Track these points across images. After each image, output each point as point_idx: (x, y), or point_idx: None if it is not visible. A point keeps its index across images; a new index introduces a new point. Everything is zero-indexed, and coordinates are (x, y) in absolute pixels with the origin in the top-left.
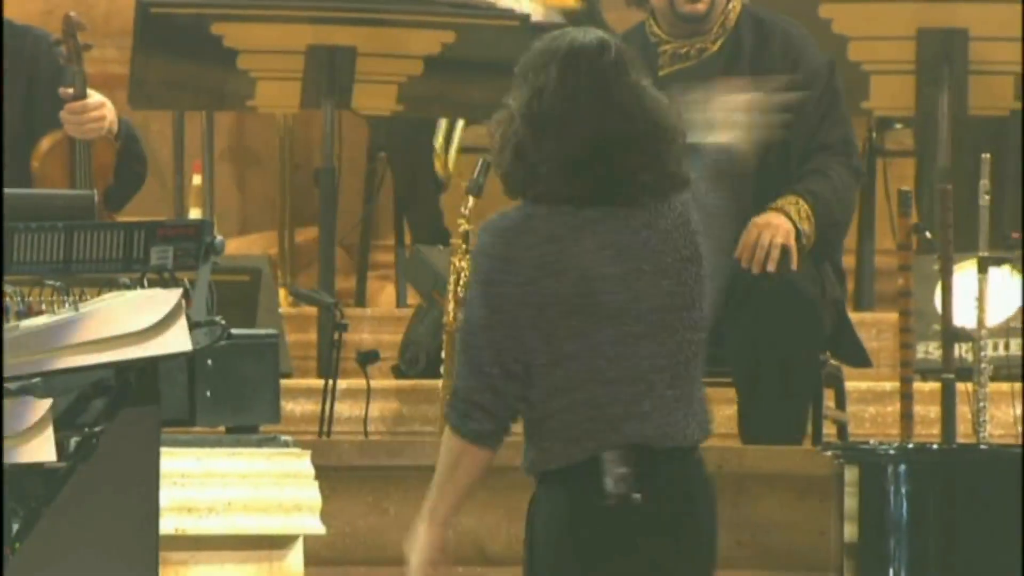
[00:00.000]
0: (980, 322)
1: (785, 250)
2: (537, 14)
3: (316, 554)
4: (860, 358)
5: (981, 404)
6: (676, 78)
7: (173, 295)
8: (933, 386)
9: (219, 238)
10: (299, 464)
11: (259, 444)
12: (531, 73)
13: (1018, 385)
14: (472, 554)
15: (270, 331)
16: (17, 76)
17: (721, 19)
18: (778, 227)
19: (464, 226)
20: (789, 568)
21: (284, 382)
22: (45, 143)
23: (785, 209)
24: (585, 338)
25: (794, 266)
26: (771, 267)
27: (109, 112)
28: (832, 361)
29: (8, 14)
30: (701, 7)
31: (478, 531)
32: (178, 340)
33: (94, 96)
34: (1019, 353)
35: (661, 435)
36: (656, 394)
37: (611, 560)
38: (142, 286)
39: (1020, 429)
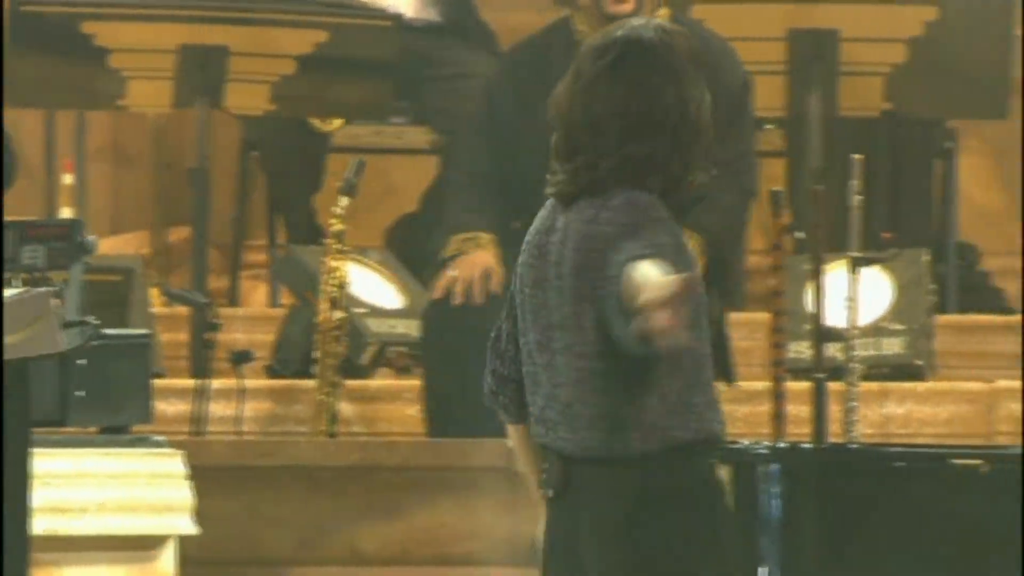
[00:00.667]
0: (851, 322)
1: None
2: (411, 12)
3: (189, 554)
4: (727, 376)
5: (852, 403)
6: None
7: (44, 295)
8: (804, 386)
9: (91, 238)
10: (172, 464)
11: (131, 444)
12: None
13: (888, 385)
14: (345, 554)
15: (142, 331)
16: None
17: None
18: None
19: (337, 226)
20: None
21: (156, 382)
22: None
23: None
24: (524, 337)
25: None
26: None
27: None
28: None
29: None
30: (628, 7)
31: (351, 530)
32: (49, 340)
33: None
34: (889, 352)
35: (574, 446)
36: (560, 405)
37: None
38: (13, 286)
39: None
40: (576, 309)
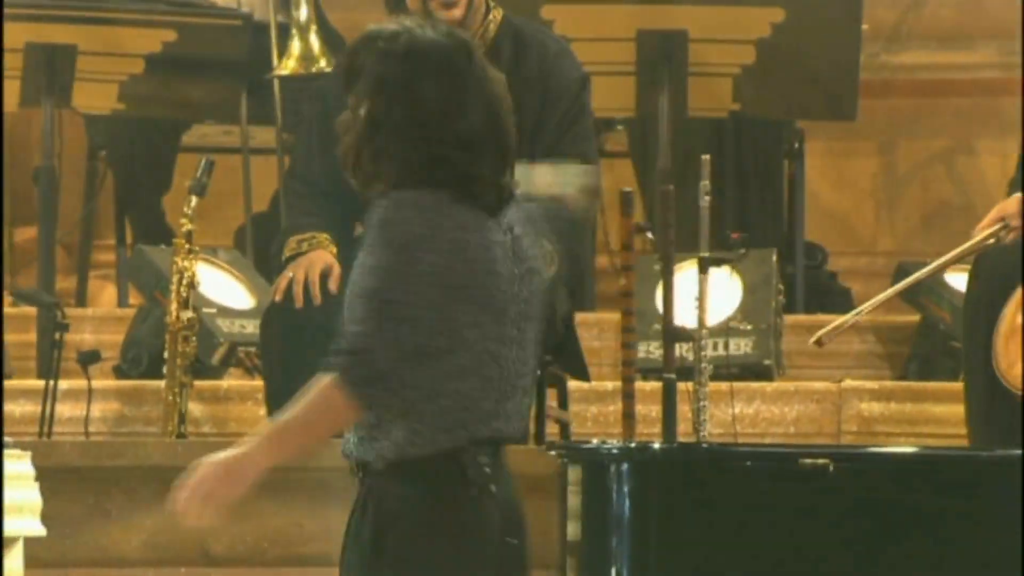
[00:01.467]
0: (701, 322)
1: None
2: (258, 12)
3: (36, 556)
4: (581, 372)
5: (701, 403)
6: None
7: None
8: (654, 385)
9: None
10: (19, 465)
11: None
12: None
13: (737, 384)
14: (195, 555)
15: None
16: None
17: (481, 30)
18: None
19: (187, 226)
20: None
21: (5, 383)
22: None
23: None
24: (480, 330)
25: None
26: None
27: None
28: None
29: None
30: (457, 13)
31: (201, 531)
32: None
33: None
34: (738, 352)
35: (516, 435)
36: (518, 398)
37: (476, 548)
38: None
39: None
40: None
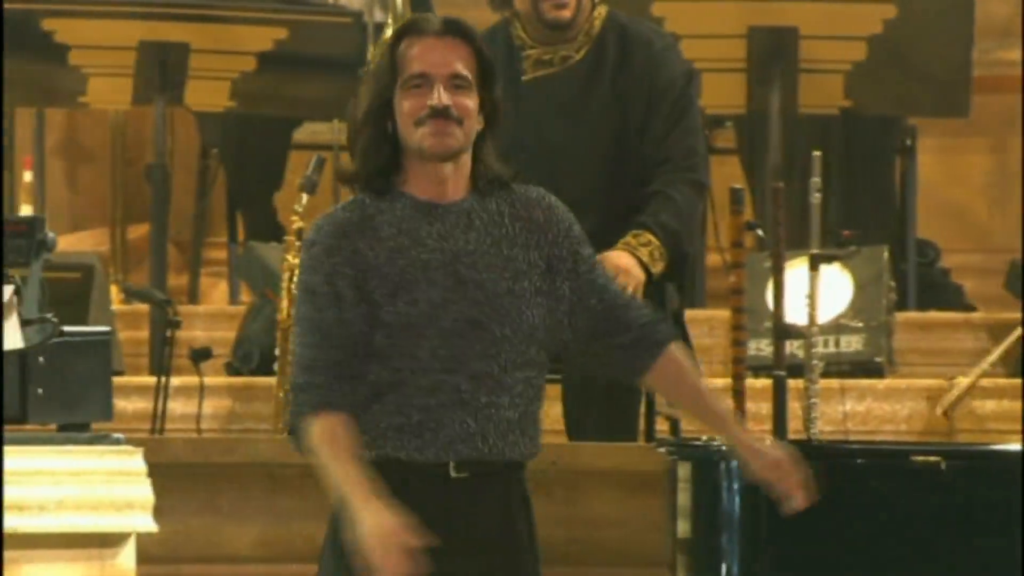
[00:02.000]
0: (811, 319)
1: None
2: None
3: (148, 552)
4: None
5: (812, 400)
6: (539, 84)
7: (4, 292)
8: (764, 383)
9: (51, 235)
10: (131, 462)
11: (91, 442)
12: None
13: (848, 382)
14: (306, 551)
15: (102, 328)
16: None
17: (586, 27)
18: (631, 275)
19: (298, 223)
20: (622, 564)
21: (116, 380)
22: None
23: (639, 253)
24: None
25: None
26: None
27: None
28: None
29: None
30: (567, 14)
31: (312, 528)
32: (9, 337)
33: None
34: (849, 350)
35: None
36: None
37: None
38: None
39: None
40: None
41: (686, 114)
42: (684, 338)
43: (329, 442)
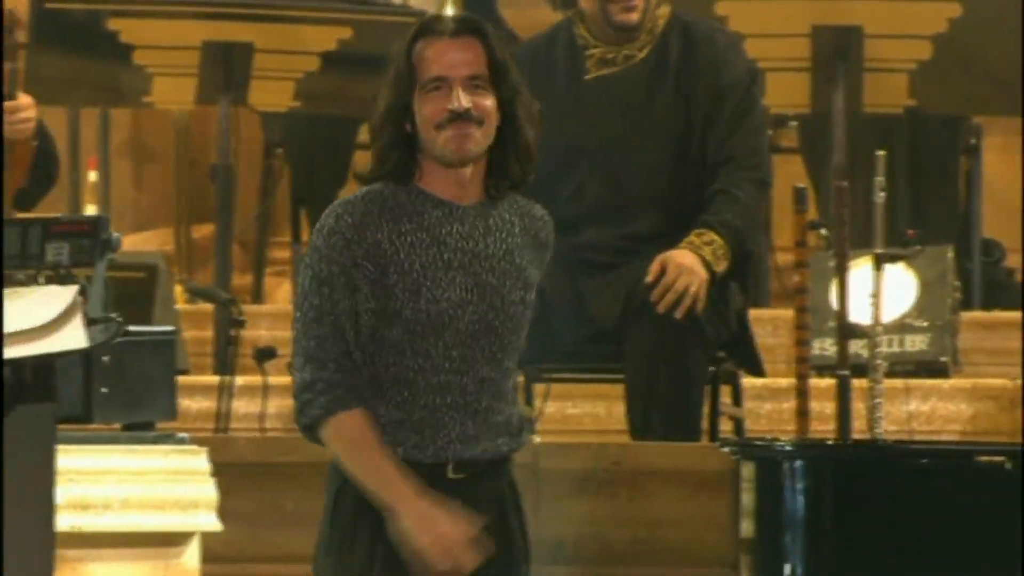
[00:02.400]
0: (875, 319)
1: (696, 298)
2: (432, 8)
3: (213, 551)
4: (756, 368)
5: (876, 400)
6: (602, 83)
7: (69, 292)
8: (829, 382)
9: (115, 234)
10: (195, 461)
11: (155, 441)
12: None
13: (912, 381)
14: None
15: (166, 328)
16: None
17: (649, 26)
18: (695, 274)
19: None
20: (685, 564)
21: (181, 379)
22: None
23: (702, 252)
24: None
25: (700, 310)
26: (679, 315)
27: (36, 113)
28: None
29: None
30: (635, 17)
31: None
32: (74, 337)
33: (23, 97)
34: (913, 349)
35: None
36: None
37: None
38: (37, 283)
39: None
40: None
41: (749, 113)
42: (747, 338)
43: (356, 442)
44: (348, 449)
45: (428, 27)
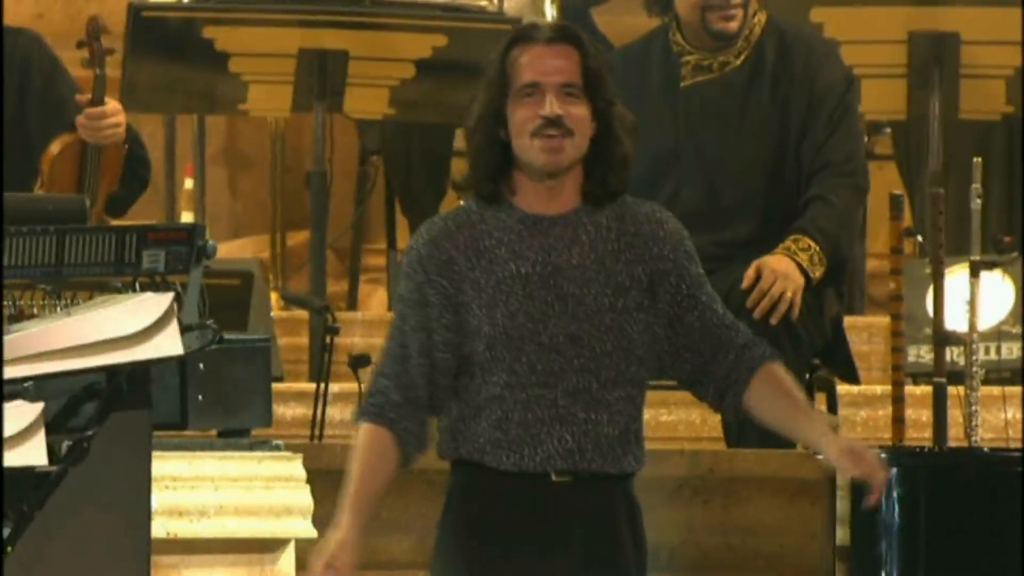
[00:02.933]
0: (972, 326)
1: (792, 304)
2: (527, 15)
3: (308, 558)
4: (851, 375)
5: (973, 408)
6: (698, 90)
7: (164, 299)
8: (925, 390)
9: (211, 242)
10: (291, 468)
11: (250, 448)
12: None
13: (1010, 389)
14: None
15: (262, 335)
16: (10, 78)
17: (746, 33)
18: (790, 279)
19: None
20: (779, 572)
21: (276, 386)
22: (55, 146)
23: (799, 258)
24: None
25: (795, 316)
26: (774, 321)
27: (124, 119)
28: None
29: None
30: (734, 25)
31: None
32: (169, 344)
33: (111, 103)
34: (1010, 357)
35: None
36: None
37: None
38: (133, 290)
39: (1022, 432)
40: None
41: (845, 119)
42: (842, 345)
43: (359, 452)
44: (353, 455)
45: (524, 33)
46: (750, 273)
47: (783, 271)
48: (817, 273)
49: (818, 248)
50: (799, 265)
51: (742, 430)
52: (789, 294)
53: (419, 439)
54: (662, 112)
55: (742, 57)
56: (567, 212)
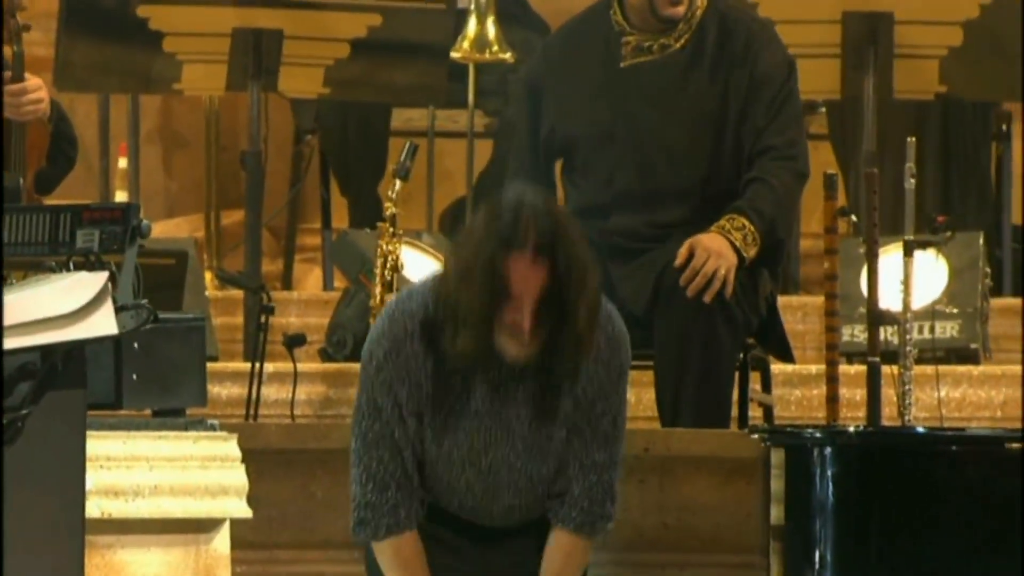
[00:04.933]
0: (905, 305)
1: (725, 282)
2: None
3: (243, 538)
4: (785, 353)
5: (906, 387)
6: (637, 71)
7: (99, 278)
8: (859, 369)
9: (145, 221)
10: (226, 447)
11: (185, 427)
12: None
13: (943, 368)
14: None
15: (197, 314)
16: None
17: (687, 15)
18: (724, 257)
19: (391, 209)
20: (715, 550)
21: (211, 365)
22: None
23: (732, 237)
24: None
25: (728, 294)
26: (707, 299)
27: (46, 95)
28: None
29: None
30: (681, 10)
31: None
32: (104, 323)
33: (32, 79)
34: (943, 336)
35: None
36: None
37: None
38: (68, 269)
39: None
40: None
41: (787, 103)
42: (776, 324)
43: (408, 562)
44: (400, 568)
45: (513, 240)
46: (683, 251)
47: (716, 249)
48: (751, 252)
49: (753, 228)
50: (732, 244)
51: (677, 409)
52: (722, 272)
53: (422, 502)
54: (600, 91)
55: (683, 40)
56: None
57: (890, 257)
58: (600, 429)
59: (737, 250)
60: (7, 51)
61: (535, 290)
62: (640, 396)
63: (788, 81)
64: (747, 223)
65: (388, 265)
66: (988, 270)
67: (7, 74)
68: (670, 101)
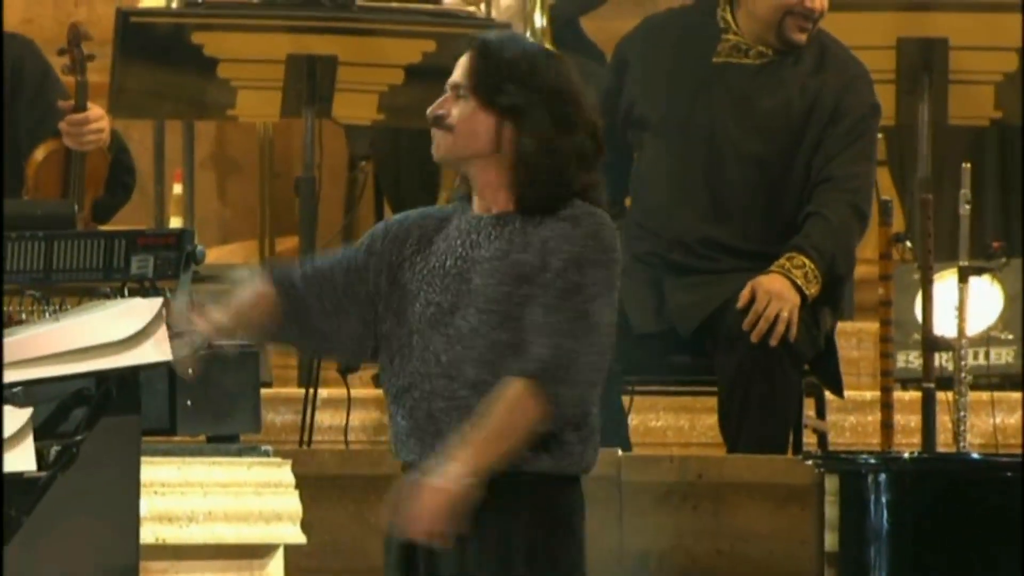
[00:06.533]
0: (960, 331)
1: (789, 324)
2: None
3: (296, 564)
4: (836, 388)
5: (961, 413)
6: (728, 70)
7: (153, 304)
8: (913, 395)
9: (199, 247)
10: (279, 473)
11: (239, 453)
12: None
13: (998, 394)
14: None
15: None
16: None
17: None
18: (786, 300)
19: None
20: None
21: (265, 391)
22: (40, 152)
23: (793, 275)
24: None
25: (792, 336)
26: (773, 342)
27: (107, 124)
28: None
29: None
30: (805, 37)
31: None
32: (158, 349)
33: (94, 108)
34: (999, 362)
35: None
36: None
37: None
38: (122, 295)
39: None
40: None
41: (861, 140)
42: (832, 356)
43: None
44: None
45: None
46: (745, 294)
47: (777, 291)
48: (812, 290)
49: (813, 266)
50: (794, 283)
51: (738, 445)
52: (785, 314)
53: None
54: (684, 79)
55: (779, 54)
56: (501, 213)
57: (945, 283)
58: (555, 286)
59: (799, 289)
60: (70, 80)
61: (452, 76)
62: (694, 423)
63: (870, 120)
64: (807, 261)
65: None
66: None
67: (68, 103)
68: (752, 107)
